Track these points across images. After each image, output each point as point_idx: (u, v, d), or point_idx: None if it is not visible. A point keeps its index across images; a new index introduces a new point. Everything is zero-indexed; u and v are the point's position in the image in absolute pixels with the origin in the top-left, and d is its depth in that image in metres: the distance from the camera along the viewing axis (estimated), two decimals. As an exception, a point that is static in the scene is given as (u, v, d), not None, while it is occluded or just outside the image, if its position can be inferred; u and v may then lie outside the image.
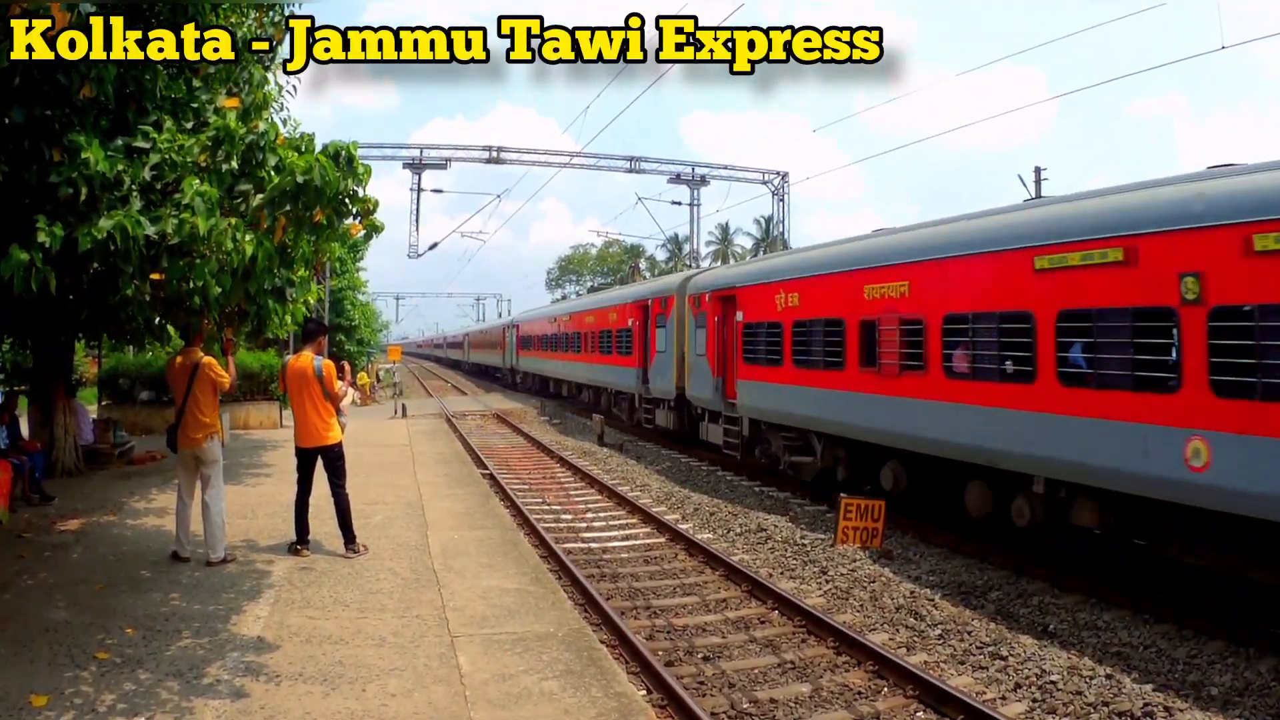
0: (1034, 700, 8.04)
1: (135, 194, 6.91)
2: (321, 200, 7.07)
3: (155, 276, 7.54)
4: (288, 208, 7.16)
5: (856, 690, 8.29)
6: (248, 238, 7.00)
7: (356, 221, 7.94)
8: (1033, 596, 10.89)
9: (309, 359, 10.62)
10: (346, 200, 7.48)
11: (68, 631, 7.84)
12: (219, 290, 7.47)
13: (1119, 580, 11.14)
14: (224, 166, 7.34)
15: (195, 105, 8.32)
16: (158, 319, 12.04)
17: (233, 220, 6.98)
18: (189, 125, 7.91)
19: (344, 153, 7.37)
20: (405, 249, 44.32)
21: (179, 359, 10.38)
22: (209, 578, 9.74)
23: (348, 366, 11.91)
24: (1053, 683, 8.31)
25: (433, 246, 44.29)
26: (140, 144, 7.26)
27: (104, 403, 25.79)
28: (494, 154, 40.69)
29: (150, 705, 6.31)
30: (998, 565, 12.22)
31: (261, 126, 7.49)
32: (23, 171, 7.02)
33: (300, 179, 6.90)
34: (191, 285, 7.39)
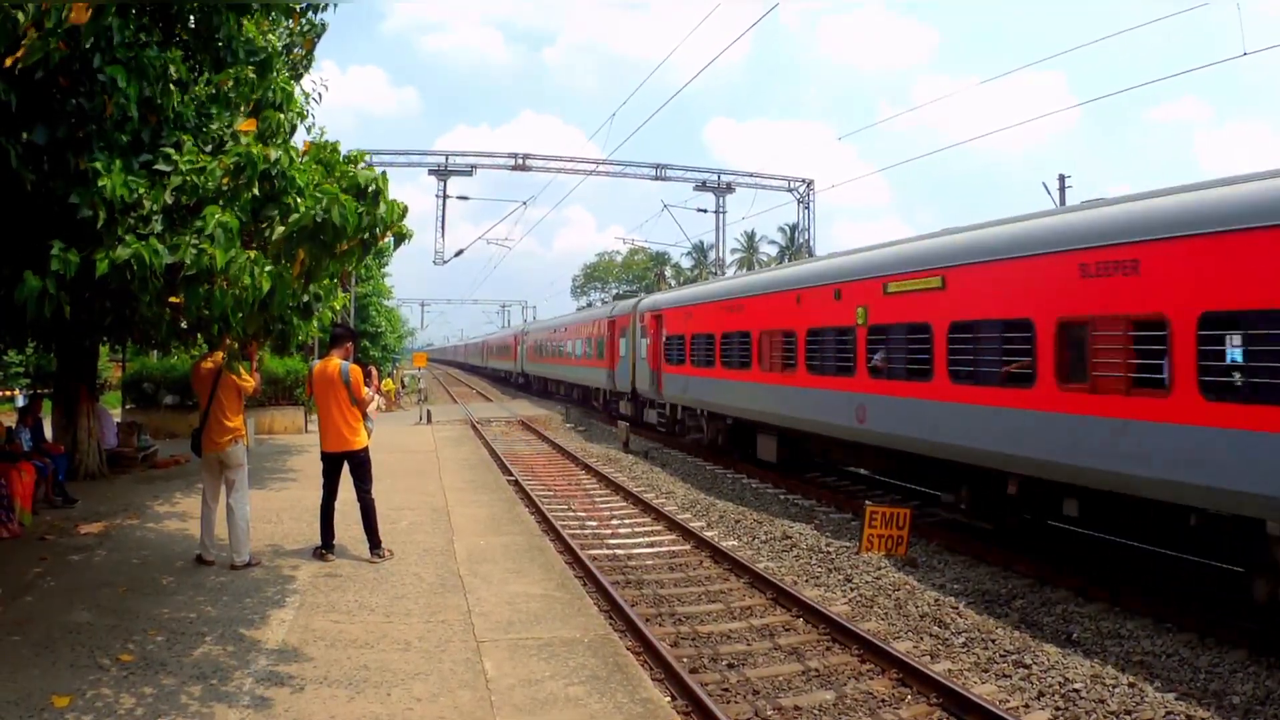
0: (1057, 709, 8.00)
1: (158, 218, 6.84)
2: (343, 237, 6.96)
3: (175, 300, 7.50)
4: (308, 244, 7.07)
5: (880, 698, 8.26)
6: (266, 269, 6.86)
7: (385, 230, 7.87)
8: (1056, 605, 10.85)
9: (336, 364, 10.63)
10: (375, 230, 7.35)
11: (90, 634, 7.88)
12: (240, 316, 7.42)
13: (1142, 589, 11.04)
14: (245, 194, 7.23)
15: (215, 125, 8.26)
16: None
17: (252, 253, 6.83)
18: (208, 148, 7.83)
19: (373, 185, 7.24)
20: (430, 255, 44.25)
21: (204, 363, 10.41)
22: (233, 582, 9.78)
23: (375, 371, 11.89)
24: (1076, 691, 8.27)
25: (458, 253, 44.35)
26: (162, 166, 7.17)
27: (128, 406, 25.98)
28: (520, 161, 40.77)
29: (172, 709, 6.32)
30: (1021, 574, 12.17)
31: (274, 155, 7.28)
32: (42, 189, 6.97)
33: (319, 218, 6.78)
34: (211, 312, 7.35)
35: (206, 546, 10.48)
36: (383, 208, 7.29)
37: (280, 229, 7.12)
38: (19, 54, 5.83)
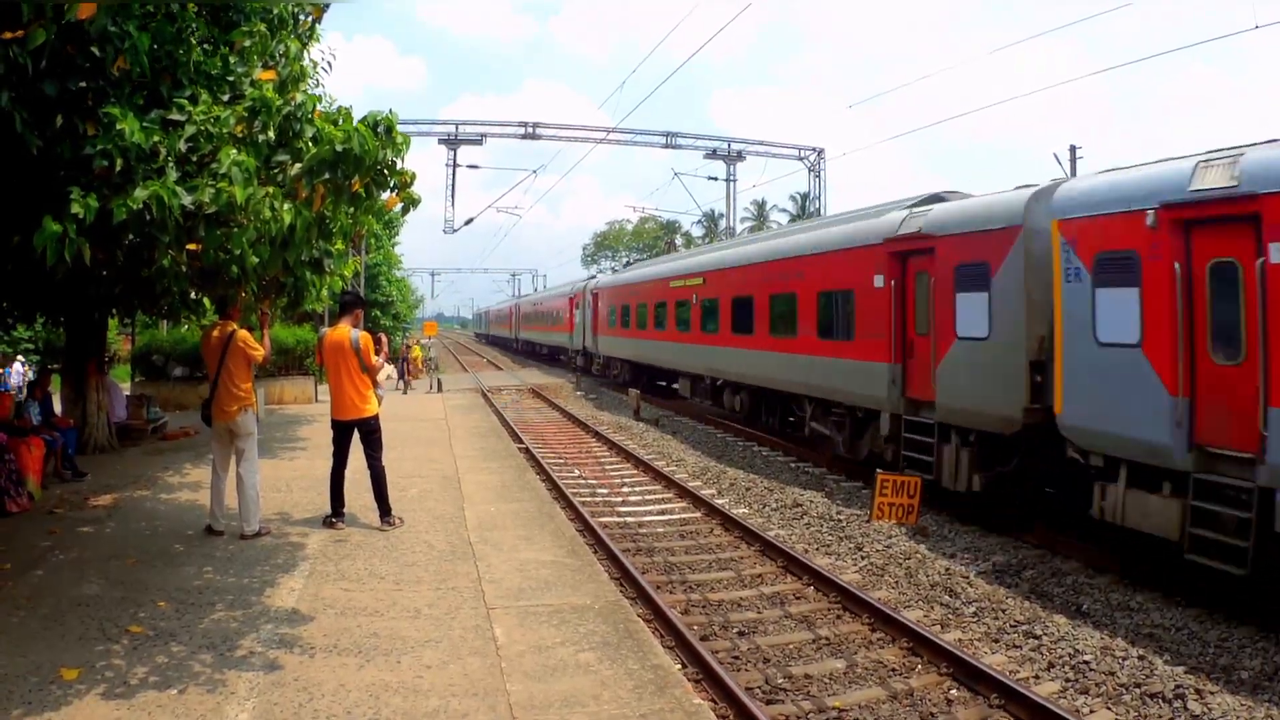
0: (1067, 680, 7.99)
1: (171, 165, 6.84)
2: (360, 170, 7.02)
3: (192, 247, 7.49)
4: (326, 176, 7.09)
5: (891, 667, 8.25)
6: (286, 206, 6.94)
7: (394, 194, 7.87)
8: (1066, 576, 10.81)
9: (346, 331, 10.60)
10: (385, 171, 7.41)
11: (100, 606, 7.87)
12: (256, 260, 7.43)
13: (1151, 562, 10.97)
14: (260, 137, 7.28)
15: (231, 79, 8.26)
16: (193, 291, 12.01)
17: (270, 189, 6.92)
18: (225, 98, 7.84)
19: (383, 123, 7.31)
20: (441, 224, 44.39)
21: (214, 332, 10.37)
22: (243, 551, 9.78)
23: (385, 339, 11.85)
24: (1085, 663, 8.25)
25: (468, 222, 44.25)
26: (176, 116, 7.18)
27: (137, 379, 26.02)
28: (530, 129, 40.55)
29: (183, 678, 6.31)
30: (1031, 544, 12.12)
31: (299, 98, 7.43)
32: (56, 145, 6.96)
33: (339, 148, 6.84)
34: (229, 255, 7.35)
35: (216, 516, 10.48)
36: (399, 139, 7.45)
37: (296, 167, 7.19)
38: (19, 33, 5.80)
